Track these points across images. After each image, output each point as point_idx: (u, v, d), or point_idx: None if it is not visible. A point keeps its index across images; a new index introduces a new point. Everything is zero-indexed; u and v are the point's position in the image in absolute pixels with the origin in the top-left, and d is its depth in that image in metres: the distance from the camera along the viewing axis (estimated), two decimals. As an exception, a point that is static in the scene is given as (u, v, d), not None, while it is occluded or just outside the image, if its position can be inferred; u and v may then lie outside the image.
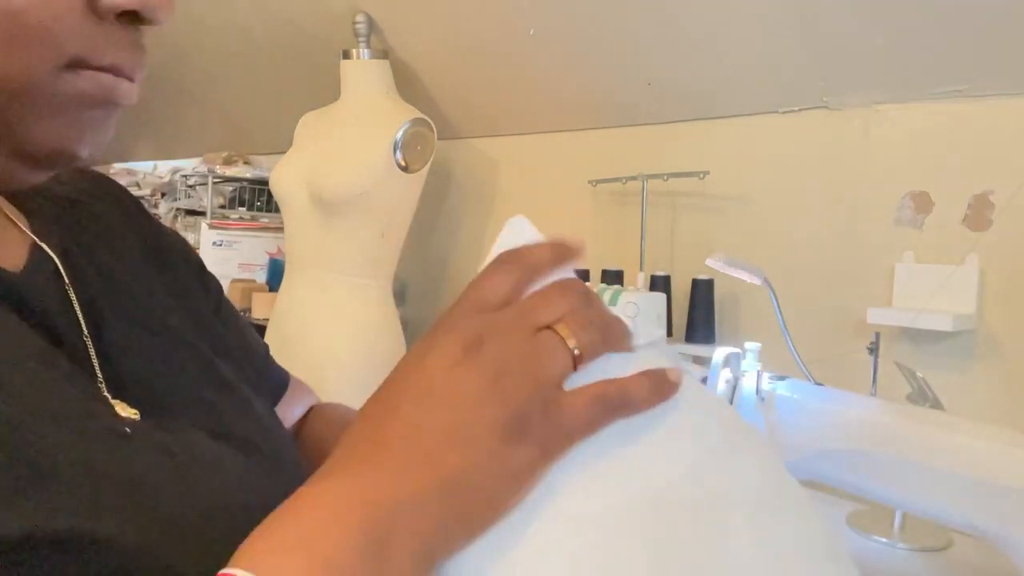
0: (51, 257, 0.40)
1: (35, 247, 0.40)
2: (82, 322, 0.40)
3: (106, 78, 0.36)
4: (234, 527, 0.29)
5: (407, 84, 1.72)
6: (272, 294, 1.91)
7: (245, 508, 0.35)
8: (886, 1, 1.02)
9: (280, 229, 1.93)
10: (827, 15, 1.08)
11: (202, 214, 2.16)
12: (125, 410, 0.38)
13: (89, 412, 0.35)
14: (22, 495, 0.29)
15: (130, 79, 0.37)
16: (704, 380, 1.07)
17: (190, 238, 2.21)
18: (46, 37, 0.34)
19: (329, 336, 1.62)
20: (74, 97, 0.36)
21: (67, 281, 0.40)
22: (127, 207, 0.50)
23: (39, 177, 0.38)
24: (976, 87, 1.04)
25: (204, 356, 0.46)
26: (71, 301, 0.40)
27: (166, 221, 2.39)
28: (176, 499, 0.34)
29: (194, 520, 0.34)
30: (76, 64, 0.35)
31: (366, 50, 1.63)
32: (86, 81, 0.36)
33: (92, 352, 0.39)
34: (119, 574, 0.30)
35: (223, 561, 0.27)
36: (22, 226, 0.41)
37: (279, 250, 2.17)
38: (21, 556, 0.28)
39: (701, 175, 1.31)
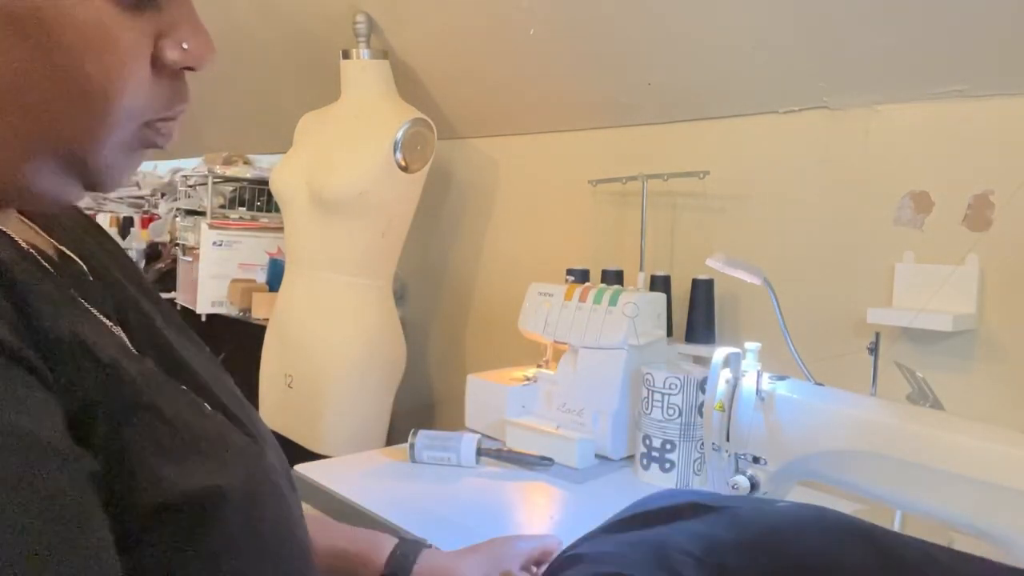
0: (77, 261, 0.46)
1: (61, 252, 0.46)
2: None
3: (166, 126, 0.43)
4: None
5: (407, 84, 1.72)
6: (272, 294, 1.91)
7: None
8: (886, 1, 1.02)
9: (280, 229, 1.93)
10: (827, 15, 1.08)
11: (202, 214, 2.16)
12: None
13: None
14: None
15: (174, 118, 0.44)
16: (704, 380, 1.07)
17: (190, 238, 2.21)
18: (122, 104, 0.39)
19: (329, 336, 1.62)
20: (135, 145, 0.42)
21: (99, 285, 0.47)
22: (84, 216, 0.56)
23: (82, 197, 0.45)
24: (976, 87, 1.04)
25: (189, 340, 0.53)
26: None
27: (166, 221, 2.39)
28: (255, 461, 0.45)
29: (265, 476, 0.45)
30: (147, 124, 0.42)
31: (366, 50, 1.63)
32: (154, 133, 0.43)
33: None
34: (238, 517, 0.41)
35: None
36: (41, 232, 0.47)
37: (279, 250, 2.17)
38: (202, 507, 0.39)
39: (701, 175, 1.31)
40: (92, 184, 0.42)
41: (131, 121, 0.41)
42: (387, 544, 0.69)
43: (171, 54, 0.41)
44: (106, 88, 0.38)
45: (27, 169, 0.39)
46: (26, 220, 0.47)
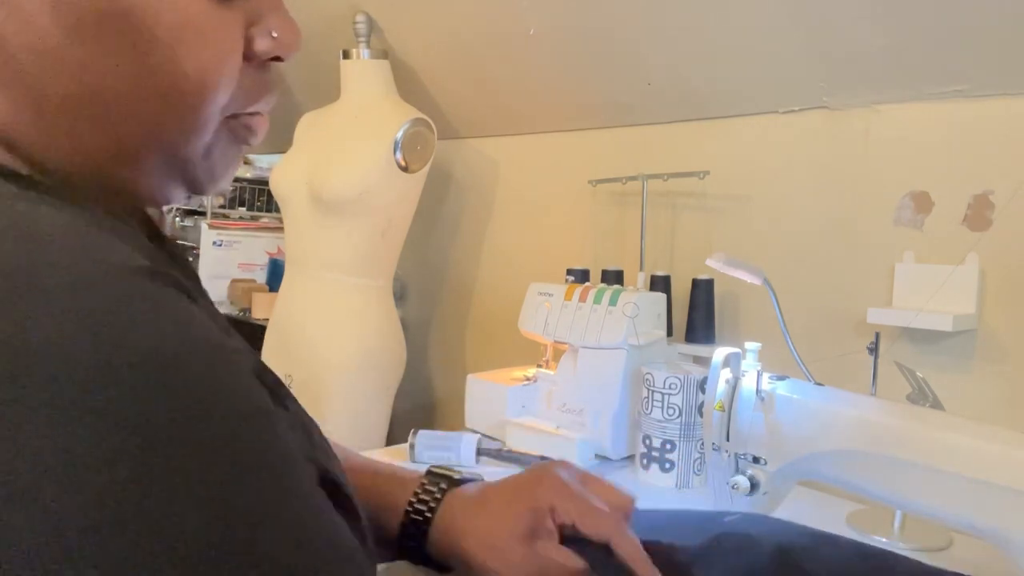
0: None
1: None
2: None
3: (254, 121, 0.42)
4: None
5: (407, 84, 1.72)
6: (272, 294, 1.91)
7: None
8: (887, 1, 1.02)
9: (280, 229, 1.93)
10: (827, 15, 1.08)
11: (202, 214, 2.16)
12: None
13: None
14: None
15: (262, 113, 0.43)
16: (704, 380, 1.07)
17: (190, 238, 2.21)
18: (216, 97, 0.38)
19: (329, 336, 1.62)
20: (227, 141, 0.41)
21: None
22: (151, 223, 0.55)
23: (182, 199, 0.46)
24: (976, 87, 1.04)
25: None
26: None
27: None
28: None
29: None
30: (233, 115, 0.41)
31: (366, 50, 1.63)
32: (242, 128, 0.42)
33: None
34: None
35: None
36: None
37: (279, 250, 2.17)
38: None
39: (701, 175, 1.31)
40: (192, 184, 0.42)
41: (220, 115, 0.40)
42: (409, 487, 0.61)
43: (262, 44, 0.40)
44: (203, 84, 0.37)
45: (122, 170, 0.39)
46: None
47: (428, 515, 0.60)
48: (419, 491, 0.61)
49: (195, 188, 0.42)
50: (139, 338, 0.29)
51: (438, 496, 0.61)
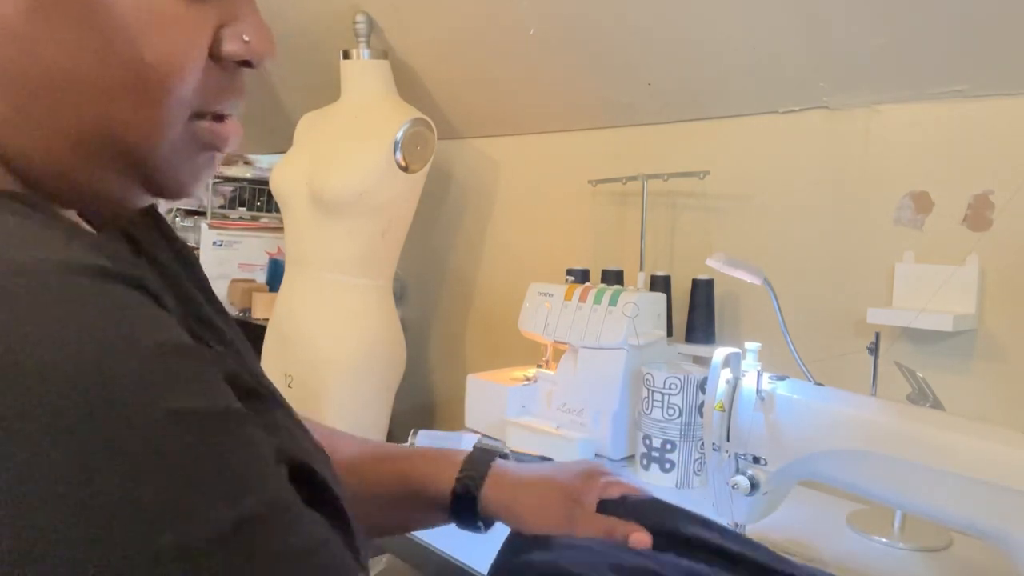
0: None
1: None
2: None
3: (217, 127, 0.41)
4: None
5: (407, 84, 1.72)
6: (272, 294, 1.91)
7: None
8: (886, 1, 1.02)
9: (280, 229, 1.93)
10: (827, 15, 1.08)
11: (202, 214, 2.16)
12: None
13: None
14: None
15: (226, 118, 0.42)
16: (704, 380, 1.07)
17: (190, 238, 2.21)
18: (178, 91, 0.37)
19: (329, 336, 1.62)
20: (192, 144, 0.40)
21: None
22: (158, 222, 0.54)
23: (146, 204, 0.43)
24: (976, 87, 1.04)
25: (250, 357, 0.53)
26: None
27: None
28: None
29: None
30: (195, 115, 0.40)
31: (366, 50, 1.63)
32: (204, 131, 0.40)
33: None
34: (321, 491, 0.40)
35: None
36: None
37: (279, 250, 2.17)
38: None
39: (701, 175, 1.31)
40: (154, 187, 0.40)
41: (183, 111, 0.39)
42: (455, 460, 0.67)
43: (230, 45, 0.39)
44: (165, 75, 0.37)
45: (82, 165, 0.38)
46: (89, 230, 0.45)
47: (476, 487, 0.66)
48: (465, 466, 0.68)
49: (160, 192, 0.41)
50: (60, 340, 0.27)
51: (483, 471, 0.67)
